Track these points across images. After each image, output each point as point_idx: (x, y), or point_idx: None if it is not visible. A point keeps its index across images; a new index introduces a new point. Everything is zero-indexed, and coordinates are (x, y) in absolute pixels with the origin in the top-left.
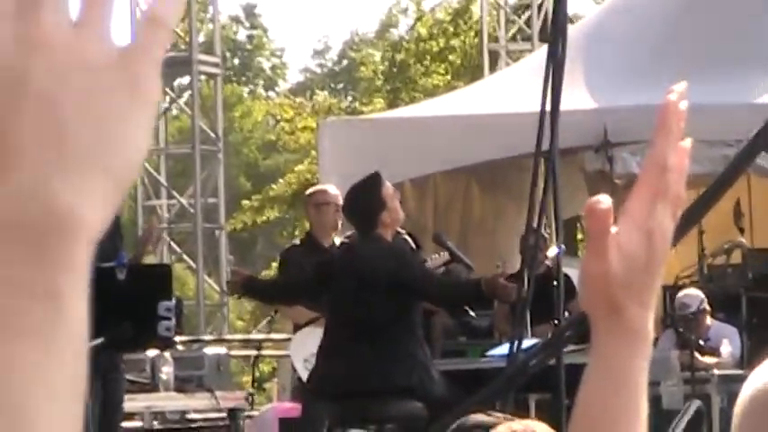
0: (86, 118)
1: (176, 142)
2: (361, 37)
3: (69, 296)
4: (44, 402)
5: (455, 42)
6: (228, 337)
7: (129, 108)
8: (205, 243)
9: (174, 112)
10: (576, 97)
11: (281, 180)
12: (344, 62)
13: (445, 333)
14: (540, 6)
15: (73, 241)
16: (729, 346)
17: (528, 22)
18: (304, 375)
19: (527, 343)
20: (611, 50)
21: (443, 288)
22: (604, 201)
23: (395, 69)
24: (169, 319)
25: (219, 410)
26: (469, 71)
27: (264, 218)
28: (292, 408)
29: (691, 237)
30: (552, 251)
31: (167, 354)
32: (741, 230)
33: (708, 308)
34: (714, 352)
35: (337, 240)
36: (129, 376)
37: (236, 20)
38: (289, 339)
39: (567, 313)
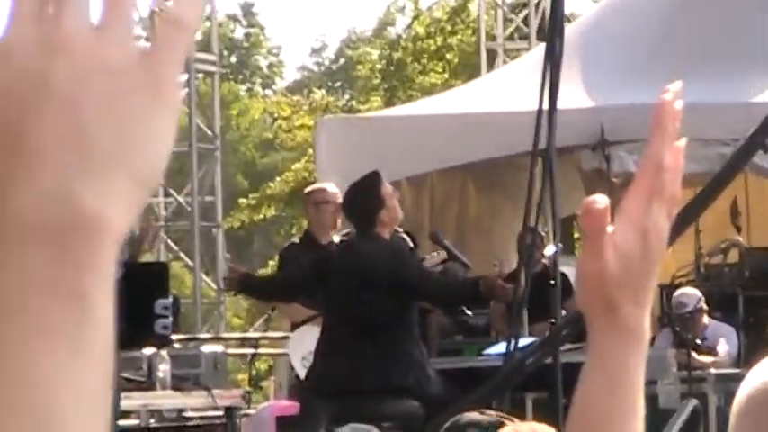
0: (108, 120)
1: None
2: (358, 35)
3: (94, 297)
4: (70, 403)
5: (452, 41)
6: (225, 335)
7: (151, 110)
8: (202, 241)
9: None
10: (573, 96)
11: (278, 178)
12: (342, 60)
13: (441, 332)
14: (537, 5)
15: (97, 242)
16: (726, 345)
17: (525, 21)
18: (302, 373)
19: (524, 341)
20: (609, 49)
21: (441, 287)
22: (600, 200)
23: (392, 68)
24: (166, 317)
25: (216, 408)
26: (467, 70)
27: (261, 216)
28: (289, 406)
29: (688, 236)
30: (549, 250)
31: (164, 352)
32: (738, 229)
33: (705, 307)
34: (711, 351)
35: (336, 239)
36: (125, 374)
37: (233, 18)
38: (286, 337)
39: (564, 312)
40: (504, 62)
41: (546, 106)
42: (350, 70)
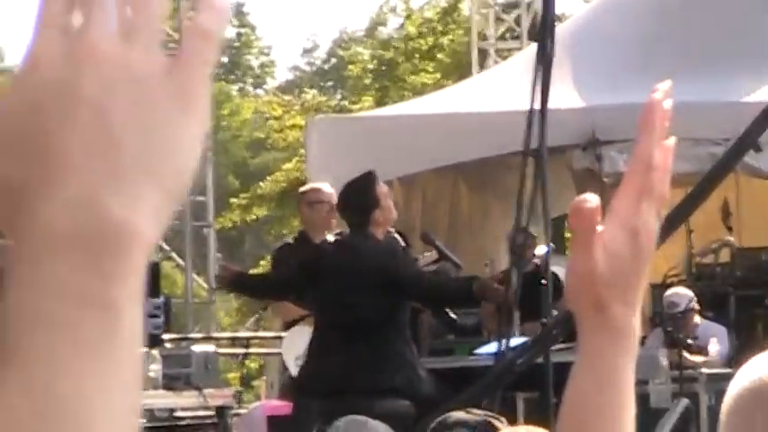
0: (135, 129)
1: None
2: (349, 35)
3: (122, 306)
4: (100, 413)
5: (444, 41)
6: (216, 335)
7: (179, 119)
8: (193, 241)
9: None
10: (564, 95)
11: (269, 178)
12: (333, 60)
13: (433, 331)
14: (529, 5)
15: (124, 251)
16: (718, 344)
17: (517, 21)
18: (295, 373)
19: (515, 341)
20: (600, 49)
21: (434, 288)
22: (590, 199)
23: (384, 67)
24: (157, 316)
25: (208, 408)
26: (458, 69)
27: (253, 216)
28: (281, 405)
29: (679, 235)
30: (540, 250)
31: (155, 351)
32: (729, 229)
33: (696, 306)
34: (702, 351)
35: (330, 238)
36: None
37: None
38: (277, 337)
39: (555, 312)
40: (496, 62)
41: (537, 106)
42: (341, 70)
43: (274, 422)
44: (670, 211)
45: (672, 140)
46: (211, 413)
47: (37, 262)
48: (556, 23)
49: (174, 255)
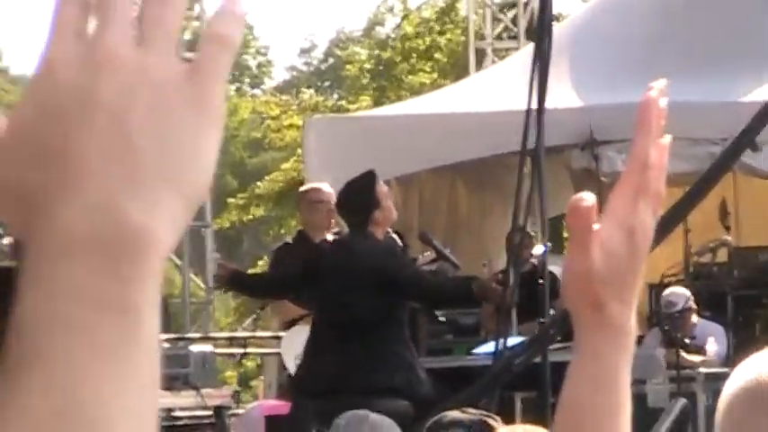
0: (153, 134)
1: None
2: (347, 35)
3: (141, 311)
4: (119, 417)
5: (441, 40)
6: (214, 334)
7: (196, 124)
8: (191, 241)
9: None
10: (561, 95)
11: (266, 178)
12: (330, 60)
13: (431, 331)
14: (526, 5)
15: (142, 256)
16: (715, 344)
17: (514, 21)
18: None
19: (513, 341)
20: (597, 49)
21: (433, 288)
22: (587, 198)
23: (381, 67)
24: None
25: (206, 408)
26: (456, 69)
27: (251, 216)
28: (278, 405)
29: (677, 235)
30: (538, 249)
31: None
32: (727, 229)
33: (694, 306)
34: (700, 350)
35: (329, 238)
36: None
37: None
38: (275, 337)
39: (552, 311)
40: (493, 62)
41: (534, 106)
42: (339, 70)
43: (272, 422)
44: (667, 211)
45: (667, 139)
46: (209, 413)
47: (54, 265)
48: (553, 23)
49: (171, 255)
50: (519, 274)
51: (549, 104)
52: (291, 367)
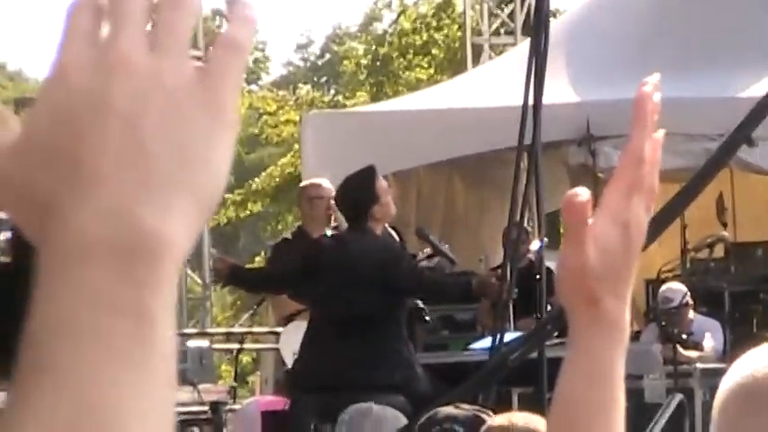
0: (167, 139)
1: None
2: (344, 30)
3: (156, 315)
4: (134, 421)
5: (438, 36)
6: (211, 330)
7: (210, 129)
8: None
9: None
10: (558, 91)
11: (263, 173)
12: (327, 56)
13: (427, 327)
14: (522, 0)
15: (156, 261)
16: (712, 340)
17: (511, 16)
18: None
19: (510, 336)
20: (594, 44)
21: (433, 285)
22: (582, 193)
23: (378, 63)
24: None
25: (202, 404)
26: (453, 65)
27: (248, 212)
28: (275, 401)
29: (673, 231)
30: (535, 245)
31: None
32: (724, 225)
33: (690, 302)
34: (697, 346)
35: (328, 233)
36: None
37: (218, 13)
38: (271, 333)
39: (549, 307)
40: (490, 57)
41: (531, 101)
42: (336, 65)
43: (269, 418)
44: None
45: (660, 134)
46: (206, 408)
47: (69, 270)
48: (550, 19)
49: None
50: (516, 270)
51: (545, 100)
52: (290, 363)
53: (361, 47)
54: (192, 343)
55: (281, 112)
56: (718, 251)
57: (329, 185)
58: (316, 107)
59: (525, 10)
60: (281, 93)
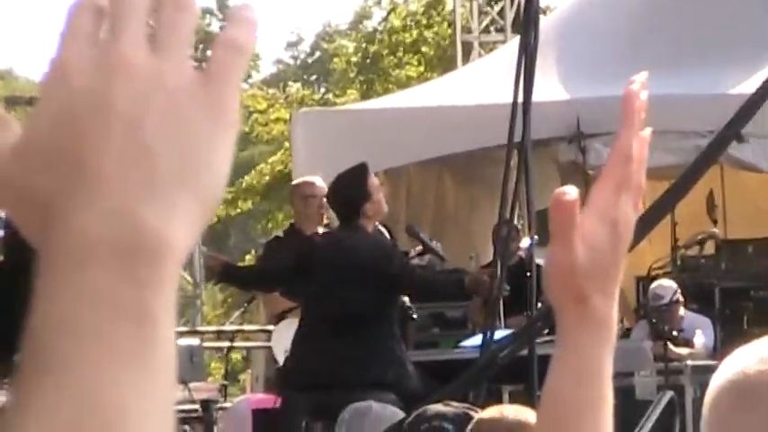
0: (169, 139)
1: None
2: (334, 28)
3: (158, 315)
4: (136, 421)
5: (428, 34)
6: (201, 328)
7: (211, 130)
8: None
9: None
10: (548, 88)
11: (252, 171)
12: (317, 54)
13: (418, 324)
14: None
15: (159, 261)
16: (703, 336)
17: (501, 14)
18: None
19: (500, 334)
20: (585, 42)
21: (424, 282)
22: (570, 192)
23: (368, 61)
24: None
25: (193, 402)
26: (443, 62)
27: (238, 210)
28: (266, 399)
29: (664, 228)
30: (525, 242)
31: None
32: (714, 221)
33: (681, 299)
34: (687, 343)
35: (320, 231)
36: None
37: (208, 12)
38: (262, 331)
39: (540, 304)
40: (480, 55)
41: (521, 99)
42: (326, 63)
43: (259, 415)
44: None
45: (647, 132)
46: (196, 407)
47: (71, 270)
48: (540, 16)
49: None
50: (506, 267)
51: (536, 98)
52: (282, 361)
53: (352, 45)
54: (182, 341)
55: (271, 110)
56: (709, 248)
57: (322, 184)
58: (306, 105)
59: (515, 7)
60: (271, 91)
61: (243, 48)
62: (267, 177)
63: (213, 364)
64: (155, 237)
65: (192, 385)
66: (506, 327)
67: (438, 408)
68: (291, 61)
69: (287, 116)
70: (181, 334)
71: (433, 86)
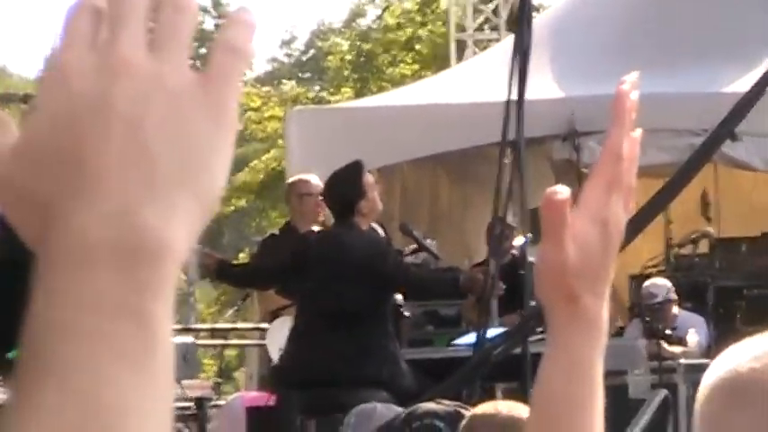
0: (169, 141)
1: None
2: (328, 26)
3: (157, 316)
4: (136, 423)
5: (422, 32)
6: (195, 326)
7: (210, 131)
8: None
9: None
10: (542, 86)
11: (246, 168)
12: (312, 51)
13: (411, 322)
14: None
15: (158, 263)
16: (696, 335)
17: (495, 12)
18: None
19: (493, 332)
20: (579, 40)
21: (418, 280)
22: (561, 191)
23: (362, 59)
24: None
25: (187, 400)
26: (437, 60)
27: (232, 207)
28: (259, 396)
29: (657, 226)
30: (519, 240)
31: None
32: (708, 220)
33: (675, 297)
34: (681, 341)
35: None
36: None
37: (203, 9)
38: (256, 329)
39: (533, 302)
40: (474, 53)
41: (515, 97)
42: (320, 61)
43: (253, 413)
44: (647, 202)
45: (638, 132)
46: (190, 404)
47: (71, 272)
48: (534, 14)
49: None
50: (500, 265)
51: (530, 95)
52: (276, 358)
53: (346, 43)
54: (176, 339)
55: (265, 107)
56: (703, 246)
57: (318, 182)
58: (300, 103)
59: (509, 5)
60: (265, 89)
61: (242, 51)
62: (261, 175)
63: (207, 362)
64: (155, 238)
65: (185, 383)
66: (500, 325)
67: (429, 406)
68: (286, 59)
69: (281, 114)
70: (175, 332)
71: (428, 84)
